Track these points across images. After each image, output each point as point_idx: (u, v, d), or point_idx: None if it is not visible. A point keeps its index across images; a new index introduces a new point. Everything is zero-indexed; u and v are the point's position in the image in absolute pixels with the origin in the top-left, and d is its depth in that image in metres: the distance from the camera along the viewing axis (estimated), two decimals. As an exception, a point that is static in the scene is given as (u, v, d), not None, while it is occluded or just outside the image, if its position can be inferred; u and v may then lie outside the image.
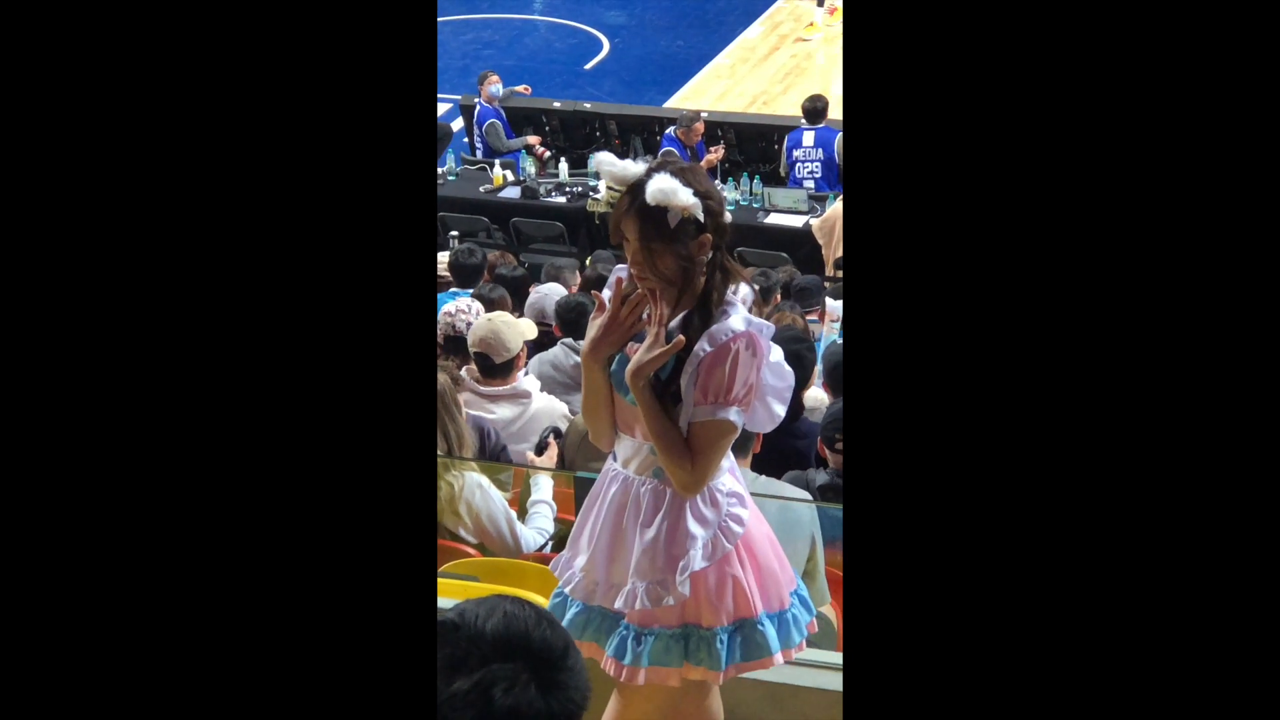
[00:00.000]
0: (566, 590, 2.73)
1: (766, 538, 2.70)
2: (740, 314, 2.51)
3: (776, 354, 2.56)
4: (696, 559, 2.57)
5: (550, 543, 4.08)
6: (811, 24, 13.64)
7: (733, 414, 2.49)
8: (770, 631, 2.65)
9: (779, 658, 2.66)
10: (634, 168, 2.51)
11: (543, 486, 4.15)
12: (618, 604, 2.62)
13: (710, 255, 2.51)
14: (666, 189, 2.43)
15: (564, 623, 2.67)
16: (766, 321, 2.55)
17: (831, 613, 3.59)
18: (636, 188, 2.48)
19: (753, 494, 3.03)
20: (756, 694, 3.10)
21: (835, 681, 3.07)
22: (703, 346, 2.47)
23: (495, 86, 10.56)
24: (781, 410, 2.60)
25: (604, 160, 2.54)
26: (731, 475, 2.66)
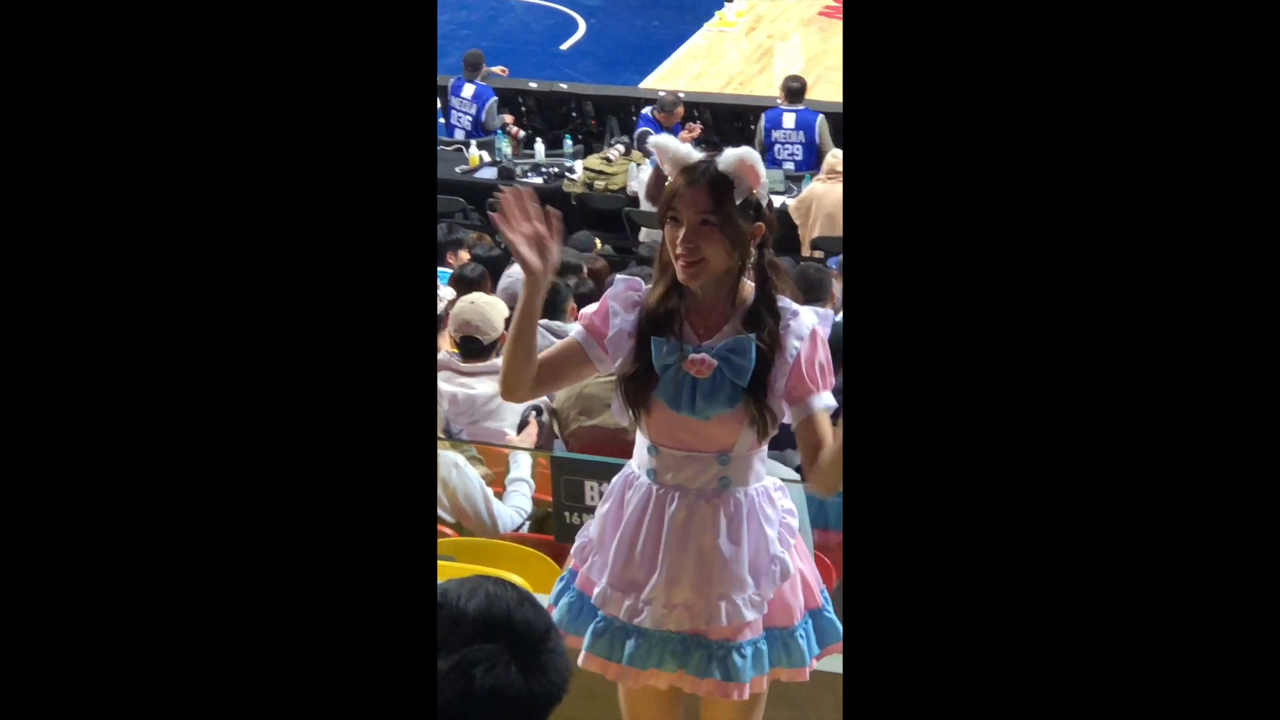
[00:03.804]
0: (635, 621, 2.58)
1: None
2: (804, 309, 2.51)
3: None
4: (789, 562, 2.57)
5: (527, 522, 4.08)
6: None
7: (834, 401, 2.52)
8: (832, 613, 2.67)
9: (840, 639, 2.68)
10: (695, 151, 2.48)
11: (521, 463, 4.14)
12: (719, 622, 2.54)
13: (758, 253, 2.49)
14: (750, 156, 2.42)
15: (626, 655, 2.60)
16: (829, 311, 2.57)
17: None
18: (696, 165, 2.45)
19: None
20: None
21: (825, 664, 3.06)
22: (792, 347, 2.47)
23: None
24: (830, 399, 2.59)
25: (662, 142, 2.50)
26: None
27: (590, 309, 2.63)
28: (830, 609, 2.68)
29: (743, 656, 2.56)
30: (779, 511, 2.60)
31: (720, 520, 2.53)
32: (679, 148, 2.48)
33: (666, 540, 2.54)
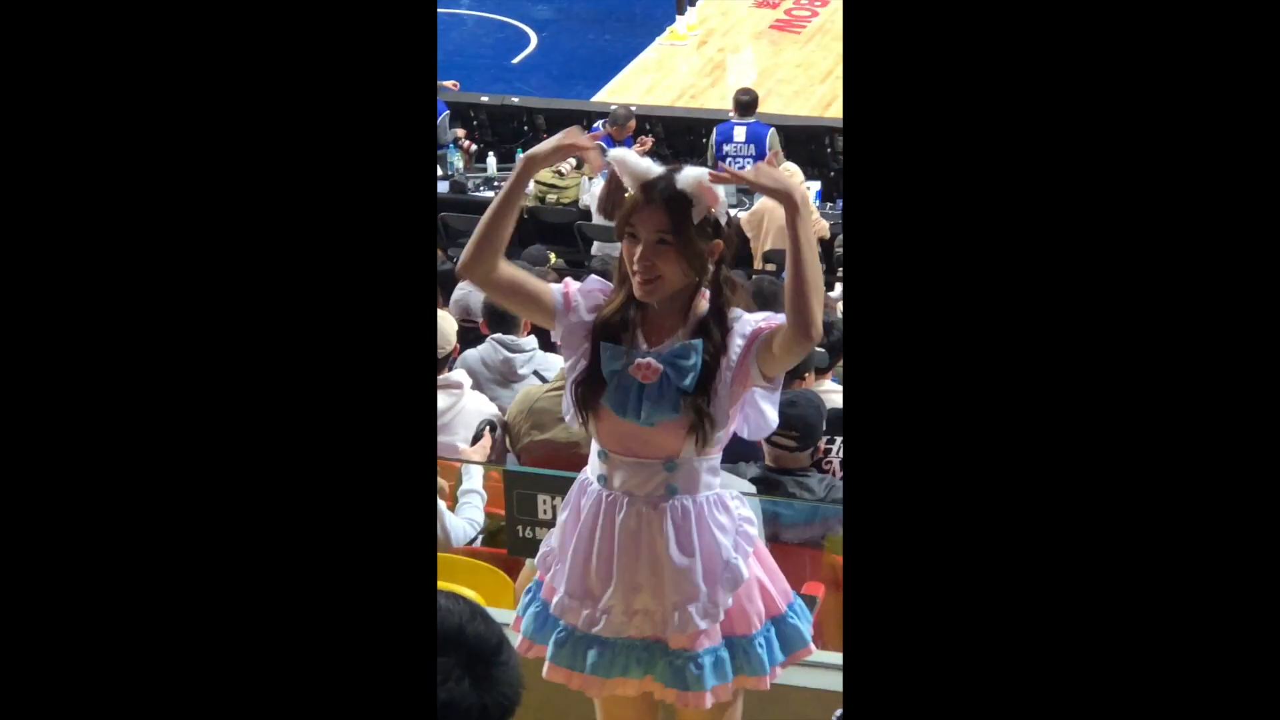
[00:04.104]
0: (595, 630, 2.59)
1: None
2: (752, 314, 2.52)
3: None
4: (742, 569, 2.56)
5: (480, 535, 4.07)
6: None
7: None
8: (800, 621, 2.66)
9: (813, 646, 2.68)
10: (655, 165, 2.47)
11: (474, 475, 4.13)
12: (670, 631, 2.56)
13: (714, 269, 2.50)
14: (709, 178, 2.41)
15: (588, 664, 2.60)
16: (775, 314, 2.54)
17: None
18: (655, 182, 2.45)
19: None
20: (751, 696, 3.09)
21: (826, 680, 3.06)
22: (736, 344, 2.48)
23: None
24: (774, 416, 2.59)
25: (621, 155, 2.48)
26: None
27: (574, 283, 2.64)
28: (797, 615, 2.67)
29: (699, 666, 2.56)
30: (735, 519, 2.60)
31: (668, 528, 2.53)
32: (639, 162, 2.47)
33: (619, 548, 2.55)
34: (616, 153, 2.49)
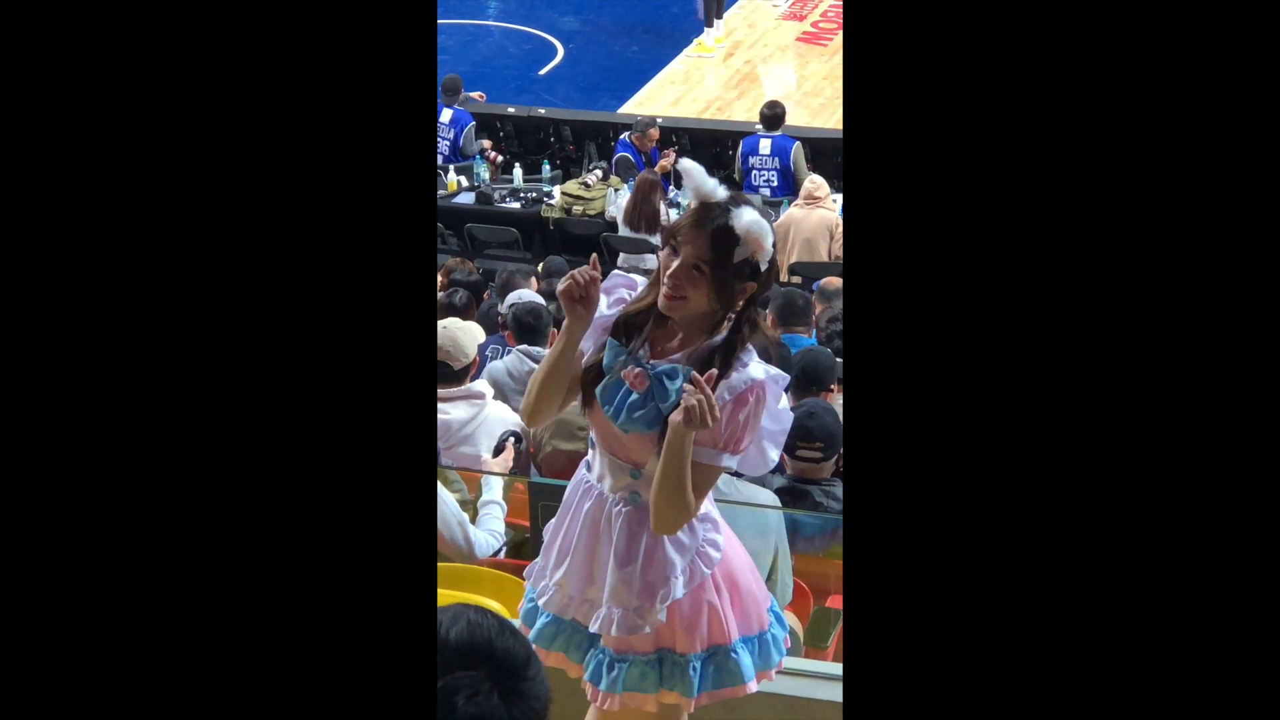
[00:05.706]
0: (540, 601, 2.71)
1: (743, 558, 2.70)
2: (757, 362, 2.50)
3: (782, 399, 2.55)
4: (677, 588, 2.56)
5: (504, 548, 4.08)
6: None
7: (733, 462, 2.51)
8: (745, 659, 2.64)
9: (753, 685, 2.65)
10: (720, 188, 2.47)
11: (494, 486, 4.14)
12: (593, 626, 2.62)
13: (743, 307, 2.50)
14: (762, 228, 2.42)
15: (533, 631, 2.69)
16: (783, 373, 2.54)
17: (794, 619, 3.60)
18: (712, 208, 2.44)
19: (723, 500, 3.00)
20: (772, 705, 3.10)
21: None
22: (721, 395, 2.44)
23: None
24: (775, 455, 2.58)
25: (691, 168, 2.49)
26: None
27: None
28: (741, 650, 2.65)
29: (614, 669, 2.62)
30: (697, 540, 2.60)
31: (619, 533, 2.57)
32: (706, 181, 2.47)
33: (580, 534, 2.63)
34: (687, 163, 2.49)
